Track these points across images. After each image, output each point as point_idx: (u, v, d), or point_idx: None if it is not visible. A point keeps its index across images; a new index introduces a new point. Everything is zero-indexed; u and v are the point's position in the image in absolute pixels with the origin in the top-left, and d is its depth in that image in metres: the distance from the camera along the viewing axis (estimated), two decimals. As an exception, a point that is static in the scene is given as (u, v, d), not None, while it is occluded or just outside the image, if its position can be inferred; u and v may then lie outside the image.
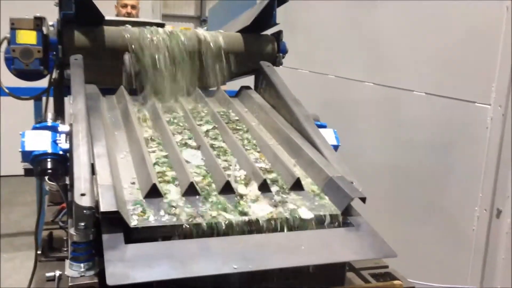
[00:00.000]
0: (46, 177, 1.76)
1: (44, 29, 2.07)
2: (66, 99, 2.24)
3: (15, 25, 2.03)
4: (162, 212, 1.39)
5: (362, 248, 1.40)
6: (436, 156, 3.10)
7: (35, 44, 2.04)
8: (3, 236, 4.10)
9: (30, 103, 3.29)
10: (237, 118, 2.07)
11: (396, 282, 1.47)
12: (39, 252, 1.76)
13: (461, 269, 2.93)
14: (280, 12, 2.50)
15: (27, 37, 2.02)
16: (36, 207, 2.99)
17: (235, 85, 2.56)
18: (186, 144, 1.80)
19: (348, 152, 2.39)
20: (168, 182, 1.55)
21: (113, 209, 1.28)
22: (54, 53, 2.08)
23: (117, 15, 4.58)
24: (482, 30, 2.77)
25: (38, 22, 2.04)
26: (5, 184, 5.21)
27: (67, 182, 1.81)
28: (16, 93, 2.32)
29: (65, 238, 1.83)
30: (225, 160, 1.72)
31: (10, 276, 3.51)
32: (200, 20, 8.06)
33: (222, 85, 2.41)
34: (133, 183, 1.52)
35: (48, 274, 1.48)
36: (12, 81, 2.26)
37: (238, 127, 1.99)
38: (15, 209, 4.80)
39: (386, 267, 1.73)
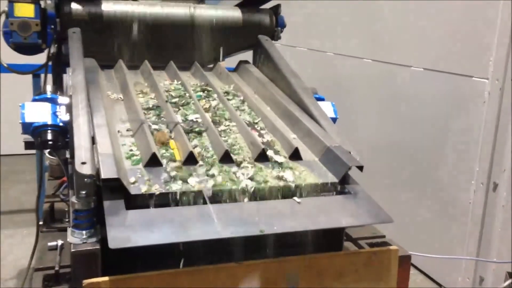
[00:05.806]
0: (47, 150, 1.77)
1: (42, 3, 2.06)
2: (64, 76, 2.24)
3: None
4: (162, 180, 1.40)
5: (358, 214, 1.42)
6: (433, 130, 3.12)
7: (33, 17, 2.02)
8: (3, 213, 4.12)
9: (28, 84, 3.29)
10: (235, 90, 2.08)
11: (392, 247, 1.49)
12: (41, 223, 1.78)
13: (458, 241, 2.97)
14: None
15: (25, 10, 2.01)
16: (36, 185, 3.00)
17: (234, 61, 2.55)
18: (184, 114, 1.81)
19: (346, 128, 2.40)
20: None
21: (114, 176, 1.30)
22: (52, 26, 2.08)
23: None
24: (480, 4, 2.76)
25: None
26: (5, 162, 5.22)
27: (67, 156, 1.82)
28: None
29: (66, 209, 1.85)
30: (225, 130, 1.73)
31: (11, 252, 3.55)
32: (198, 1, 8.03)
33: (221, 61, 2.41)
34: (132, 151, 1.54)
35: (50, 244, 1.50)
36: (10, 58, 2.27)
37: (236, 99, 2.00)
38: (15, 186, 4.82)
39: (383, 236, 1.75)
